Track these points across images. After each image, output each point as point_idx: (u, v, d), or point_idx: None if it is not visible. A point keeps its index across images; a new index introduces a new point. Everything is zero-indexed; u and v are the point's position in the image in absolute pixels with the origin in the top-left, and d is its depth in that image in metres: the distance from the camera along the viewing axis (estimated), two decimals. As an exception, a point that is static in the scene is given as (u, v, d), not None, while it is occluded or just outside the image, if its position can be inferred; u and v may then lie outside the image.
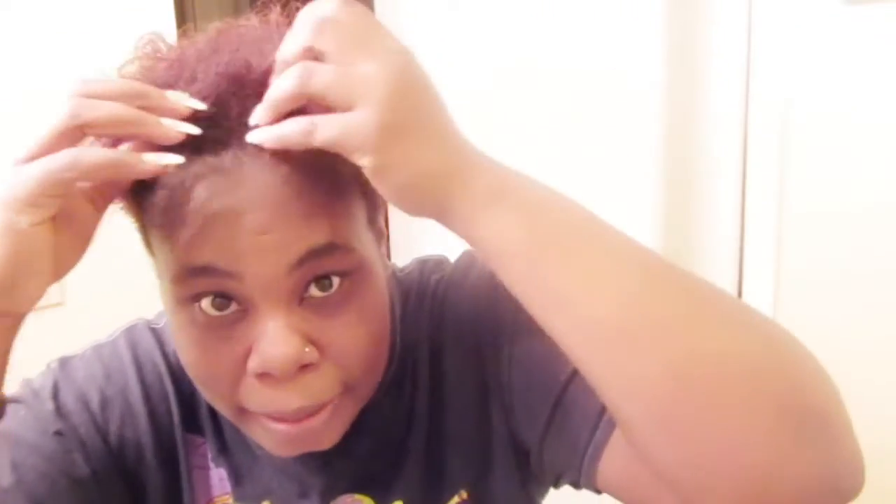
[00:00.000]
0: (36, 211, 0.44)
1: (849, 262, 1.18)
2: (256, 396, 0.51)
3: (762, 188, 1.23)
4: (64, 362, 0.66)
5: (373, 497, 0.63)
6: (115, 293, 1.33)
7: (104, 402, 0.62)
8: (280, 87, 0.45)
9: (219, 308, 0.49)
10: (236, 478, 0.63)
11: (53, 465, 0.58)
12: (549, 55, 1.29)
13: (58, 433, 0.59)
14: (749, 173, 1.24)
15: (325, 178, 0.49)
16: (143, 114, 0.45)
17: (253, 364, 0.49)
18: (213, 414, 0.63)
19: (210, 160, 0.47)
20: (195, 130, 0.46)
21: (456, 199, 0.46)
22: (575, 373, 0.53)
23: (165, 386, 0.63)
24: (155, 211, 0.49)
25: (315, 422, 0.52)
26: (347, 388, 0.53)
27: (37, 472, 0.57)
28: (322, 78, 0.44)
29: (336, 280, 0.50)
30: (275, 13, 0.53)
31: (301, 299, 0.50)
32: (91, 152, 0.44)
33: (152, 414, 0.62)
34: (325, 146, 0.44)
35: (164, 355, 0.63)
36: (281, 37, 0.48)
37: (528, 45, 1.31)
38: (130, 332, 0.66)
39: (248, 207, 0.47)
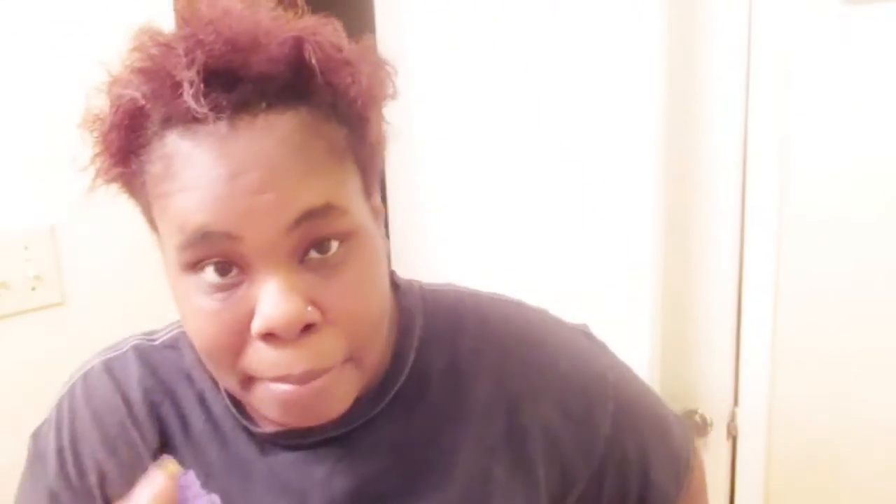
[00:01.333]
0: None
1: (848, 261, 1.18)
2: (262, 360, 0.51)
3: (762, 189, 1.23)
4: (36, 437, 0.66)
5: None
6: (115, 293, 1.32)
7: (81, 472, 0.63)
8: None
9: (221, 274, 0.50)
10: (229, 501, 0.62)
11: None
12: (549, 55, 1.29)
13: None
14: (749, 173, 1.24)
15: (320, 141, 0.51)
16: None
17: (256, 325, 0.50)
18: (192, 441, 0.63)
19: (207, 128, 0.49)
20: None
21: None
22: None
23: (129, 433, 0.63)
24: (155, 181, 0.51)
25: (321, 383, 0.52)
26: (351, 355, 0.54)
27: None
28: None
29: (335, 244, 0.51)
30: None
31: (301, 261, 0.51)
32: None
33: (122, 464, 0.62)
34: None
35: (124, 398, 0.64)
36: (266, 9, 0.52)
37: (528, 44, 1.31)
38: (86, 379, 0.66)
39: (245, 168, 0.48)
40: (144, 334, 0.69)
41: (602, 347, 0.72)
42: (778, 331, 1.26)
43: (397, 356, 0.63)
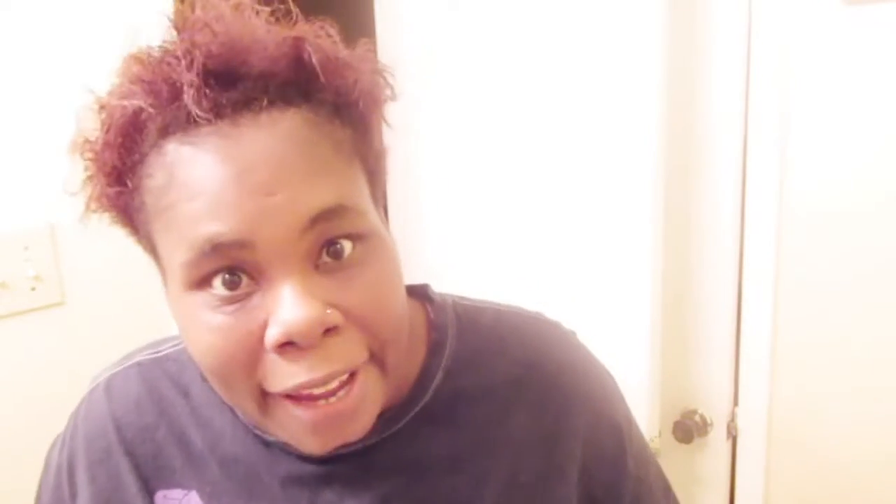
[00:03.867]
0: None
1: (848, 262, 1.18)
2: (280, 372, 0.48)
3: (762, 188, 1.23)
4: (51, 448, 0.68)
5: None
6: (114, 293, 1.32)
7: (73, 493, 0.63)
8: None
9: (230, 287, 0.47)
10: None
11: None
12: (549, 55, 1.29)
13: None
14: (749, 173, 1.24)
15: (326, 140, 0.49)
16: None
17: (272, 334, 0.46)
18: (192, 461, 0.61)
19: (208, 129, 0.46)
20: None
21: None
22: None
23: (113, 459, 0.62)
24: (157, 194, 0.48)
25: (344, 402, 0.49)
26: (373, 355, 0.51)
27: None
28: None
29: (348, 245, 0.49)
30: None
31: (315, 266, 0.48)
32: None
33: (98, 492, 0.62)
34: None
35: (116, 423, 0.62)
36: (261, 17, 0.50)
37: (527, 44, 1.31)
38: (91, 396, 0.65)
39: (252, 166, 0.46)
40: (152, 346, 0.67)
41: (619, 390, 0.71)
42: (778, 331, 1.26)
43: (424, 373, 0.60)
